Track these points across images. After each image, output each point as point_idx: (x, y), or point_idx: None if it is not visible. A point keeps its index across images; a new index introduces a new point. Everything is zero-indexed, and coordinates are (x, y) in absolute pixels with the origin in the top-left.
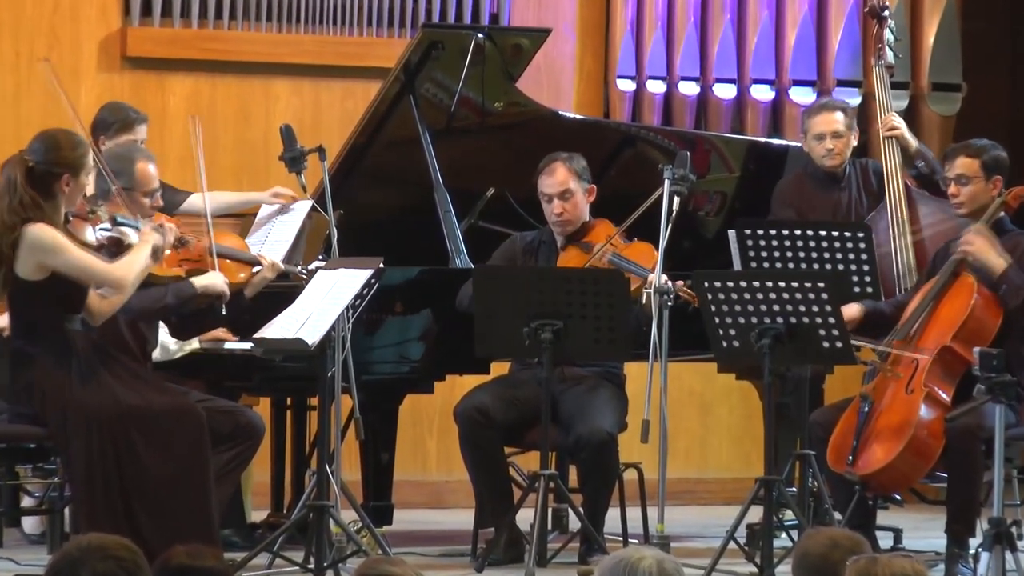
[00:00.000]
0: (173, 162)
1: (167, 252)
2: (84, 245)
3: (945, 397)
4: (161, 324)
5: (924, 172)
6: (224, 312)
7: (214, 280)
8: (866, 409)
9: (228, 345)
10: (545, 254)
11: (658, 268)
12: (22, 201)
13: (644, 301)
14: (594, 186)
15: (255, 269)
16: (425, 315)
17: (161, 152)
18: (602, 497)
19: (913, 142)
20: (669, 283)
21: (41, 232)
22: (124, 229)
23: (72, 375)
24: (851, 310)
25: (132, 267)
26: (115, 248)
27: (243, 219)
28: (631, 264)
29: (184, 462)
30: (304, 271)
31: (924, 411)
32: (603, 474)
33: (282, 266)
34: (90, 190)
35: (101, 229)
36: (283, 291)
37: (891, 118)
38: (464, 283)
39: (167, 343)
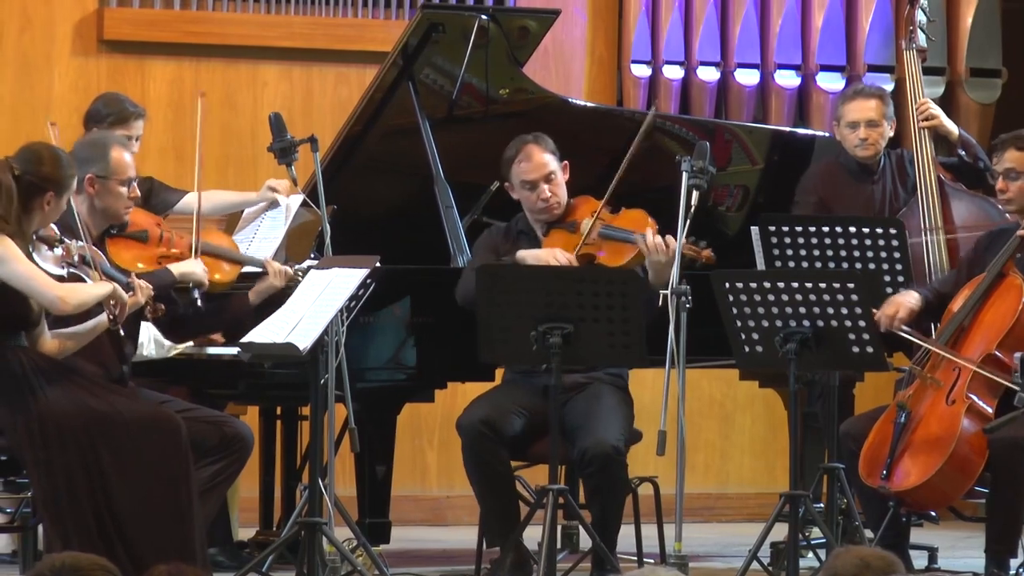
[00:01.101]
0: (153, 152)
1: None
2: (42, 269)
3: (988, 409)
4: (151, 323)
5: (967, 161)
6: (200, 304)
7: (192, 267)
8: (903, 419)
9: (213, 350)
10: (526, 245)
11: (676, 265)
12: (5, 213)
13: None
14: (567, 162)
15: (250, 270)
16: (425, 318)
17: (142, 143)
18: (612, 514)
19: (953, 129)
20: (686, 286)
21: None
22: (90, 271)
23: (23, 386)
24: (911, 300)
25: (77, 292)
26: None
27: (229, 215)
28: (625, 233)
29: (160, 475)
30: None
31: (966, 424)
32: (611, 490)
33: (290, 271)
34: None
35: (67, 263)
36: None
37: (927, 105)
38: (465, 273)
39: (160, 338)
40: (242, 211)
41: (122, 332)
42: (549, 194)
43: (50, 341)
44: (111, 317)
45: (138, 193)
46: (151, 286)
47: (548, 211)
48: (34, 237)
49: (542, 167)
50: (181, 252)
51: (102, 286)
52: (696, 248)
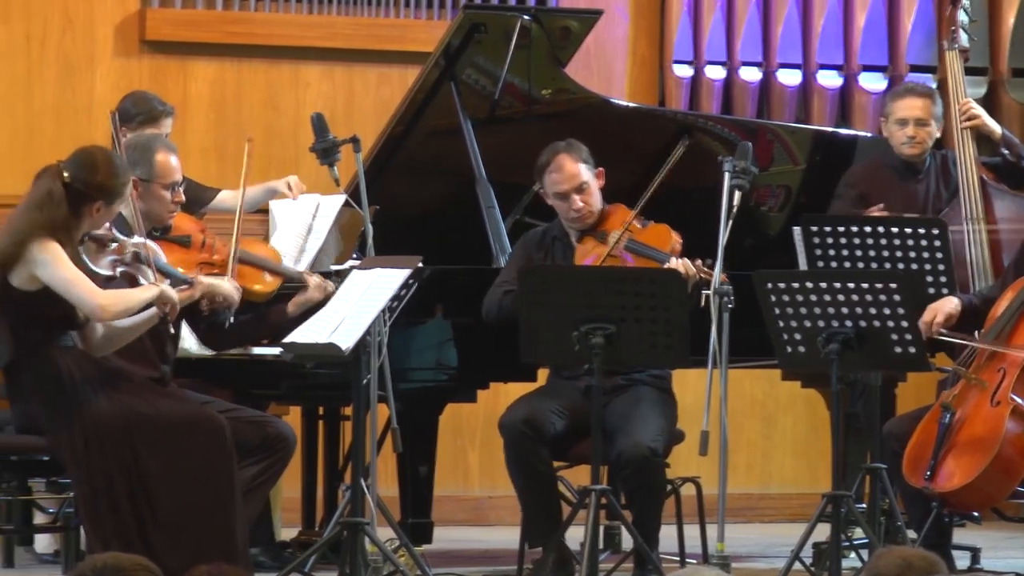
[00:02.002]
0: (195, 153)
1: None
2: (93, 272)
3: None
4: (191, 331)
5: (1011, 160)
6: (232, 322)
7: (224, 285)
8: (947, 420)
9: (257, 350)
10: (560, 251)
11: (717, 268)
12: (54, 219)
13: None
14: (602, 169)
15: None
16: (467, 318)
17: (182, 143)
18: (651, 515)
19: (996, 129)
20: (727, 284)
21: (43, 245)
22: (144, 268)
23: (66, 387)
24: (949, 304)
25: (120, 299)
26: (128, 284)
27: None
28: (649, 250)
29: (203, 475)
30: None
31: (1010, 425)
32: (649, 491)
33: (331, 287)
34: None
35: (118, 260)
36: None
37: (969, 105)
38: (489, 289)
39: None
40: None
41: (172, 330)
42: (580, 204)
43: (101, 334)
44: (163, 315)
45: (183, 197)
46: (210, 283)
47: (580, 221)
48: (85, 238)
49: (573, 178)
50: (223, 259)
51: (147, 290)
52: (708, 271)
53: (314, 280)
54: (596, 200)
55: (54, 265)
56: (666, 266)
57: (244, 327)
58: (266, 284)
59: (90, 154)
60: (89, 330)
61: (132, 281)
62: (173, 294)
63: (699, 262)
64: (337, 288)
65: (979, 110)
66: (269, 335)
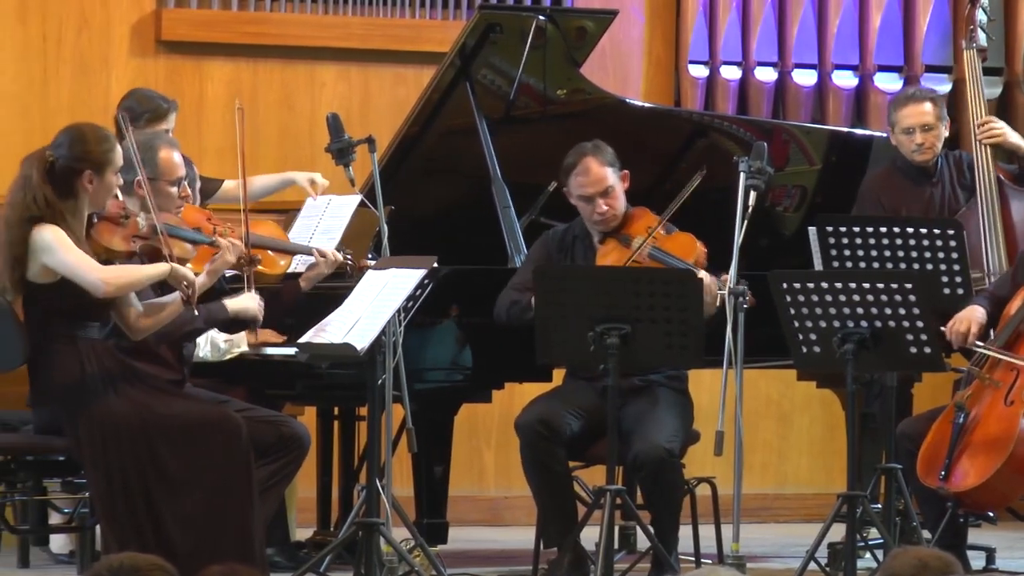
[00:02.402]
0: (211, 153)
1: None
2: (109, 251)
3: None
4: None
5: None
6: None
7: (248, 304)
8: (961, 420)
9: (271, 350)
10: (581, 251)
11: (733, 268)
12: (35, 199)
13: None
14: (627, 172)
15: (302, 259)
16: (482, 318)
17: (198, 143)
18: (668, 516)
19: (1021, 144)
20: (743, 286)
21: (43, 231)
22: (170, 241)
23: (86, 384)
24: (978, 314)
25: (123, 273)
26: (151, 258)
27: (286, 215)
28: (672, 259)
29: (220, 475)
30: (351, 265)
31: None
32: (666, 492)
33: (339, 257)
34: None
35: (138, 237)
36: (330, 293)
37: (991, 125)
38: (501, 292)
39: (216, 340)
40: (297, 209)
41: (195, 312)
42: (605, 208)
43: (136, 314)
44: (184, 298)
45: (188, 192)
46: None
47: (603, 223)
48: (95, 219)
49: (599, 182)
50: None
51: (156, 267)
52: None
53: (324, 253)
54: (620, 203)
55: (57, 250)
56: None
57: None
58: (275, 265)
59: (73, 127)
60: (124, 312)
61: (154, 255)
62: (186, 272)
63: (724, 277)
64: (347, 257)
65: (1000, 127)
66: (283, 315)
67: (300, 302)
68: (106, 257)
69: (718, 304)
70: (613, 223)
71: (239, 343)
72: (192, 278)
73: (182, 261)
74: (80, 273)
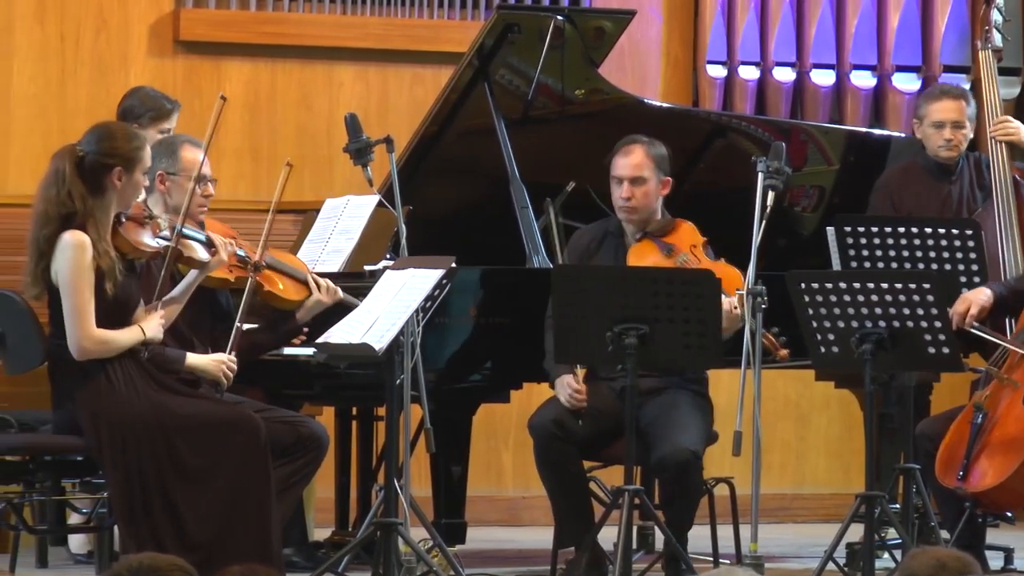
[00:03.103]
0: (229, 154)
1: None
2: (138, 250)
3: None
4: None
5: None
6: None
7: (209, 367)
8: (979, 420)
9: (289, 351)
10: (611, 246)
11: (751, 268)
12: (70, 193)
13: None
14: (670, 179)
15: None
16: (500, 318)
17: (216, 143)
18: (686, 516)
19: None
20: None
21: (67, 247)
22: (186, 242)
23: (108, 383)
24: (982, 296)
25: (103, 347)
26: (176, 260)
27: (304, 214)
28: None
29: (238, 475)
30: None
31: None
32: (687, 494)
33: (340, 294)
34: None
35: (161, 237)
36: (347, 293)
37: (1007, 122)
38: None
39: None
40: (317, 209)
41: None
42: (628, 194)
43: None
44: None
45: (212, 192)
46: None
47: (626, 212)
48: (123, 218)
49: (635, 168)
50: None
51: (131, 332)
52: (775, 342)
53: (322, 284)
54: (649, 201)
55: (71, 288)
56: (728, 304)
57: (253, 334)
58: (294, 292)
59: (103, 125)
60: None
61: (177, 255)
62: (155, 332)
63: (765, 332)
64: (347, 293)
65: (1016, 125)
66: (278, 343)
67: (295, 331)
68: (133, 256)
69: (740, 323)
70: (635, 217)
71: None
72: (158, 337)
73: (194, 263)
74: (74, 318)
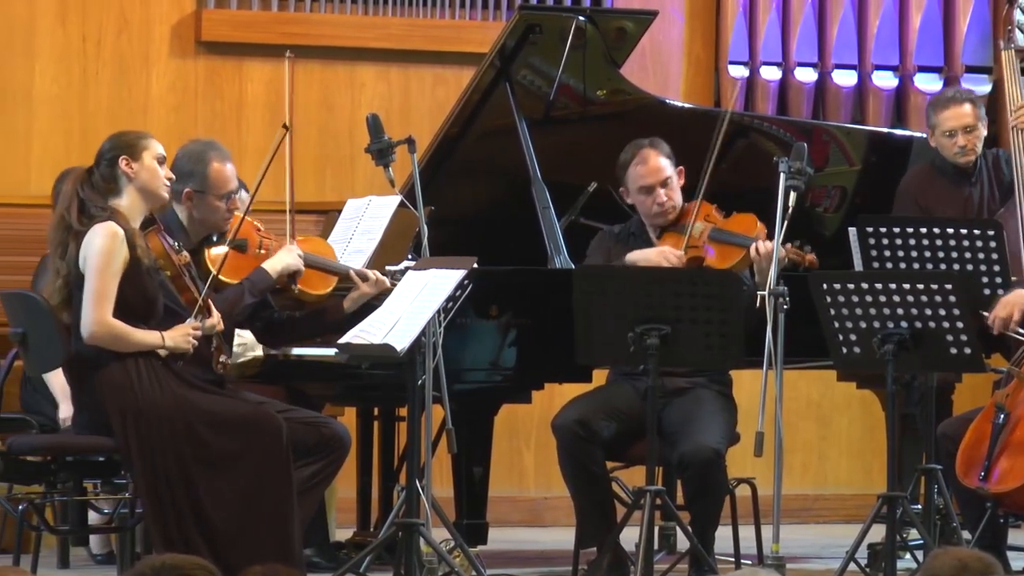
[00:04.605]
0: (250, 154)
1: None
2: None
3: None
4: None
5: None
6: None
7: (285, 260)
8: (1001, 420)
9: (312, 352)
10: (635, 246)
11: (773, 268)
12: (80, 206)
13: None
14: (682, 168)
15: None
16: (522, 319)
17: (238, 144)
18: (710, 516)
19: None
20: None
21: (97, 235)
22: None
23: (135, 382)
24: (1022, 299)
25: (117, 334)
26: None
27: (326, 215)
28: (734, 236)
29: (262, 474)
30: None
31: None
32: (710, 493)
33: (388, 283)
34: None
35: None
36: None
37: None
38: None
39: (246, 342)
40: (339, 210)
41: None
42: (665, 198)
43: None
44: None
45: (238, 204)
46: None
47: (663, 215)
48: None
49: (658, 172)
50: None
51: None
52: (800, 252)
53: (372, 276)
54: (678, 196)
55: (94, 268)
56: (752, 247)
57: (300, 324)
58: (322, 285)
59: (116, 133)
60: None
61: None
62: (178, 343)
63: (789, 245)
64: (394, 285)
65: None
66: (325, 332)
67: (341, 321)
68: (162, 263)
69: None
70: (671, 216)
71: (252, 347)
72: (185, 349)
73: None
74: (92, 300)
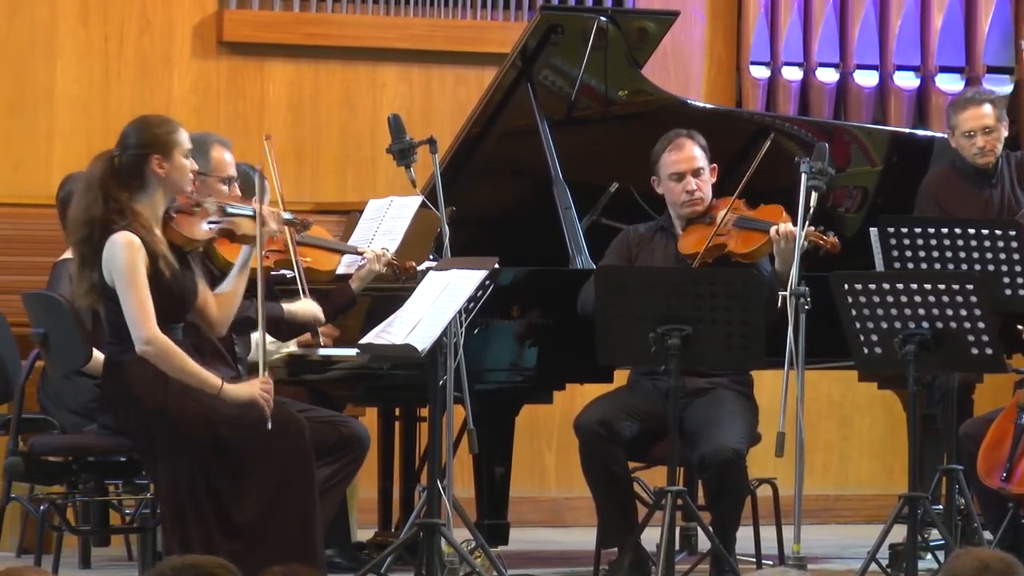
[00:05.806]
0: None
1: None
2: (192, 241)
3: None
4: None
5: None
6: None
7: (307, 307)
8: (1022, 420)
9: (333, 351)
10: (662, 243)
11: (795, 269)
12: (106, 199)
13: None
14: (715, 165)
15: (353, 260)
16: (543, 319)
17: (259, 143)
18: (731, 516)
19: None
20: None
21: (117, 249)
22: (236, 220)
23: (166, 382)
24: None
25: (170, 353)
26: (229, 239)
27: (348, 215)
28: (756, 222)
29: (284, 475)
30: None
31: None
32: (731, 493)
33: (389, 255)
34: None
35: (211, 222)
36: (391, 294)
37: None
38: (585, 283)
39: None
40: (360, 211)
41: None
42: (695, 187)
43: (215, 307)
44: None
45: (239, 193)
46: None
47: (692, 205)
48: (173, 214)
49: (692, 160)
50: (280, 247)
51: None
52: (822, 236)
53: (371, 252)
54: (708, 189)
55: (125, 284)
56: (772, 229)
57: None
58: (324, 263)
59: (132, 121)
60: (208, 311)
61: (229, 235)
62: (237, 396)
63: (812, 228)
64: (395, 255)
65: None
66: (335, 315)
67: (351, 303)
68: (189, 248)
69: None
70: (699, 207)
71: (286, 343)
72: (239, 399)
73: (248, 239)
74: (135, 317)
